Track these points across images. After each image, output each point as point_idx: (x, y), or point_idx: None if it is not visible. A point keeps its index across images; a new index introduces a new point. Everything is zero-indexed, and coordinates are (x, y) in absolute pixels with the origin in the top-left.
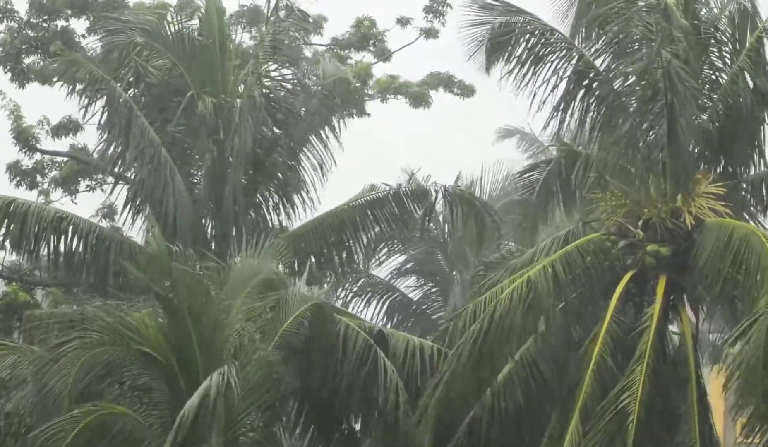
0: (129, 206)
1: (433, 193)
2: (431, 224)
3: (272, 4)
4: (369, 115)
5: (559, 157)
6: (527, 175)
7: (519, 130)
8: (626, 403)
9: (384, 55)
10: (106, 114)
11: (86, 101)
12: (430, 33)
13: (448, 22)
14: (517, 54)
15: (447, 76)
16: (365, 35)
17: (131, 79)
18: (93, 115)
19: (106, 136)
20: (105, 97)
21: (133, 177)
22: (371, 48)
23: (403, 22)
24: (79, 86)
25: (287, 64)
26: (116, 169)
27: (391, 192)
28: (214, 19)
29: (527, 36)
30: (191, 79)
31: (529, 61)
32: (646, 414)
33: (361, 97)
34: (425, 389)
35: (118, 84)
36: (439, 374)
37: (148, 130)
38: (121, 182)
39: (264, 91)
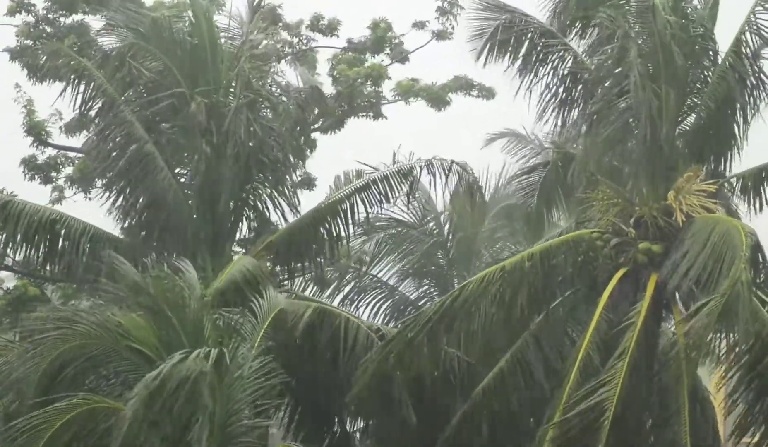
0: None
1: (417, 169)
2: (432, 224)
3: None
4: (386, 118)
5: (556, 158)
6: (525, 177)
7: (509, 132)
8: (604, 397)
9: (399, 57)
10: (86, 104)
11: (68, 91)
12: (442, 35)
13: (461, 23)
14: (519, 55)
15: (467, 80)
16: (381, 38)
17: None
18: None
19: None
20: (84, 87)
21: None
22: (388, 50)
23: (419, 25)
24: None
25: (264, 65)
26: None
27: (377, 174)
28: (203, 22)
29: (529, 36)
30: (184, 80)
31: (529, 63)
32: (629, 410)
33: (378, 99)
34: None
35: (111, 85)
36: (391, 339)
37: (132, 125)
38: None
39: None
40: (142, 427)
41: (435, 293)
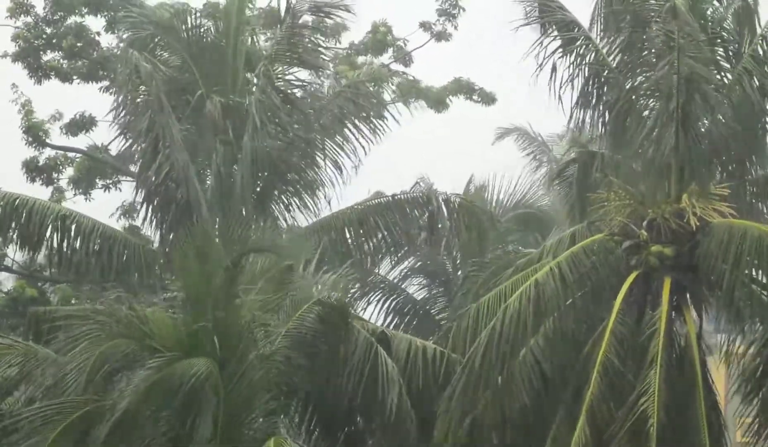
0: (146, 204)
1: (435, 202)
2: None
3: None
4: (386, 119)
5: (581, 157)
6: (563, 173)
7: (517, 128)
8: (645, 407)
9: (401, 58)
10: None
11: (126, 100)
12: (441, 36)
13: (461, 25)
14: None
15: (468, 83)
16: (381, 42)
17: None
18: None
19: (129, 133)
20: (142, 98)
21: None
22: (388, 53)
23: (426, 26)
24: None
25: (303, 67)
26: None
27: (392, 200)
28: (233, 19)
29: (555, 26)
30: (201, 78)
31: (554, 55)
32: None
33: (379, 100)
34: (428, 391)
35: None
36: (454, 383)
37: (170, 129)
38: (132, 179)
39: (273, 91)
40: (140, 422)
41: (437, 292)
